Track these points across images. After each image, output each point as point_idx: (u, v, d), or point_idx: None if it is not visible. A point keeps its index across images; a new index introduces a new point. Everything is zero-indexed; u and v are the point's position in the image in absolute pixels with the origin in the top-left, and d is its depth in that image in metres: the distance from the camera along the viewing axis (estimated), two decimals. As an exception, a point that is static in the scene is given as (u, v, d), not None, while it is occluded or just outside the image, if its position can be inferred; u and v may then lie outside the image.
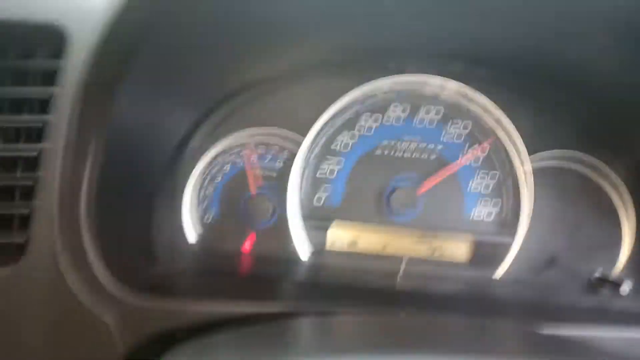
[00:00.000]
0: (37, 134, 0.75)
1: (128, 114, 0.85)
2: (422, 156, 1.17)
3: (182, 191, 1.17)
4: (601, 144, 1.16)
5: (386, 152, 1.18)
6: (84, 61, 0.73)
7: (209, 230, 1.19)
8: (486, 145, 1.17)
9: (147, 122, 0.94)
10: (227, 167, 1.19)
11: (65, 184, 0.74)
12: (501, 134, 1.15)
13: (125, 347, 0.76)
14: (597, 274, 1.10)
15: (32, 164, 0.75)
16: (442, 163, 1.17)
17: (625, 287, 1.01)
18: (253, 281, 1.05)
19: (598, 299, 1.07)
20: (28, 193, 0.75)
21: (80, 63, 0.74)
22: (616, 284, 1.03)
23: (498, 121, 1.14)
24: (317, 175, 1.19)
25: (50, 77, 0.74)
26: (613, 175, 1.15)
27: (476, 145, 1.17)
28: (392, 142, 1.18)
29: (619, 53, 0.95)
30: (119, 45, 0.75)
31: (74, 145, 0.74)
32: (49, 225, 0.74)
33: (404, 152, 1.18)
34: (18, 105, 0.77)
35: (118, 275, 0.78)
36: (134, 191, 0.96)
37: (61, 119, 0.74)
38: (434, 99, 1.18)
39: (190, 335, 0.75)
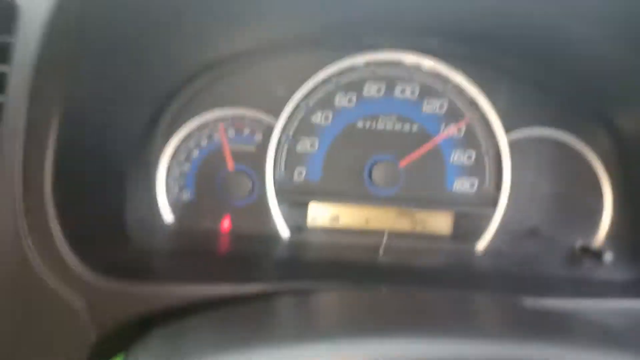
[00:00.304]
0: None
1: (85, 91, 0.81)
2: (403, 130, 1.15)
3: (154, 169, 1.14)
4: (579, 120, 1.15)
5: (366, 126, 1.16)
6: (36, 37, 0.70)
7: (185, 209, 1.16)
8: (462, 123, 1.15)
9: (110, 100, 0.90)
10: (204, 144, 1.15)
11: (27, 164, 0.71)
12: (477, 112, 1.14)
13: (96, 332, 0.74)
14: (579, 245, 1.10)
15: None
16: (422, 136, 1.15)
17: (607, 257, 1.01)
18: (232, 261, 1.03)
19: (580, 269, 1.07)
20: None
21: (32, 39, 0.70)
22: (598, 254, 1.03)
23: (474, 99, 1.13)
24: (296, 150, 1.16)
25: (1, 54, 0.70)
26: (590, 147, 1.15)
27: (453, 124, 1.15)
28: (371, 117, 1.16)
29: (599, 30, 0.93)
30: (72, 20, 0.72)
31: (31, 125, 0.71)
32: (12, 208, 0.71)
33: (384, 126, 1.15)
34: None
35: (87, 259, 0.76)
36: (102, 170, 0.92)
37: (16, 97, 0.70)
38: (409, 77, 1.15)
39: (167, 319, 0.73)
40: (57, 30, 0.70)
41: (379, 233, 1.15)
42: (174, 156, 1.15)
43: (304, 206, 1.18)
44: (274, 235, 1.14)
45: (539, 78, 1.14)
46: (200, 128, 1.15)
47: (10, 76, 0.70)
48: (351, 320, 0.69)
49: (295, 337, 0.60)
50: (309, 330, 0.64)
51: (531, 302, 0.83)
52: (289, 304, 0.76)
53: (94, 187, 0.89)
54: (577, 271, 1.07)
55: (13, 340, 0.74)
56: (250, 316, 0.72)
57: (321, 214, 1.19)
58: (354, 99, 1.16)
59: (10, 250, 0.71)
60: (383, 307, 0.73)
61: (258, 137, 1.15)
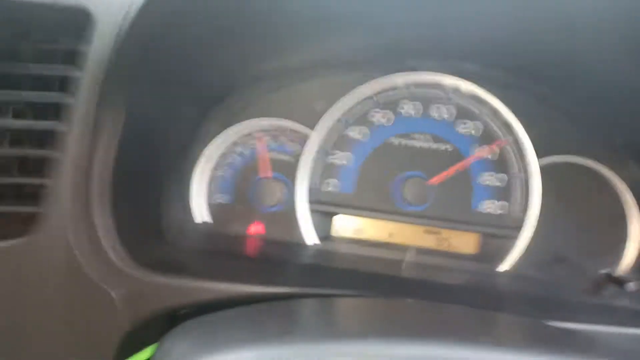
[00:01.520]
0: (57, 112, 0.77)
1: (148, 97, 0.86)
2: (436, 149, 1.18)
3: (190, 173, 1.18)
4: (609, 149, 1.16)
5: (400, 144, 1.19)
6: (108, 45, 0.74)
7: (218, 212, 1.21)
8: (495, 147, 1.17)
9: (162, 107, 0.95)
10: (242, 151, 1.20)
11: (80, 161, 0.76)
12: (511, 136, 1.16)
13: (130, 321, 0.78)
14: (603, 272, 1.11)
15: (51, 139, 0.76)
16: (454, 156, 1.17)
17: (631, 286, 1.01)
18: (261, 263, 1.06)
19: (603, 297, 1.07)
20: (44, 168, 0.76)
21: (104, 47, 0.74)
22: (622, 282, 1.03)
23: (509, 124, 1.15)
24: (329, 162, 1.19)
25: (73, 59, 0.75)
26: (619, 176, 1.15)
27: (485, 146, 1.17)
28: (405, 135, 1.19)
29: (631, 61, 0.95)
30: (143, 33, 0.76)
31: (91, 126, 0.75)
32: (61, 199, 0.75)
33: (415, 144, 1.18)
34: (42, 84, 0.78)
35: (126, 251, 0.80)
36: (146, 171, 0.97)
37: (82, 99, 0.75)
38: (446, 98, 1.18)
39: (196, 314, 0.76)
40: (128, 41, 0.74)
41: (403, 248, 1.17)
42: (209, 161, 1.20)
43: (330, 216, 1.21)
44: (303, 243, 1.17)
45: (572, 107, 1.15)
46: (240, 135, 1.20)
47: (82, 80, 0.75)
48: (379, 323, 0.72)
49: (324, 335, 0.62)
50: (339, 330, 0.66)
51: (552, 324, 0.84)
52: (319, 305, 0.78)
53: (136, 187, 0.94)
54: (600, 299, 1.08)
55: (50, 323, 0.78)
56: (282, 313, 0.74)
57: (346, 226, 1.21)
58: (391, 117, 1.19)
59: (56, 242, 0.76)
60: (409, 315, 0.76)
61: (292, 147, 1.20)
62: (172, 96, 0.96)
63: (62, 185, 0.75)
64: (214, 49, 0.97)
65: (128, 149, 0.82)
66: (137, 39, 0.76)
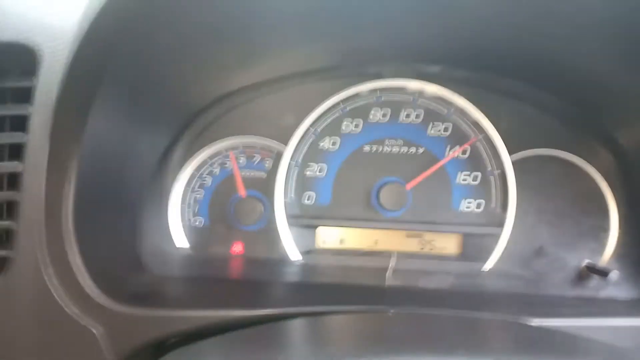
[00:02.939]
0: (15, 152, 0.76)
1: (105, 127, 0.85)
2: (409, 152, 1.18)
3: (167, 198, 1.18)
4: (581, 139, 1.16)
5: (373, 150, 1.19)
6: (57, 79, 0.74)
7: (198, 235, 1.20)
8: (467, 145, 1.18)
9: (126, 135, 0.94)
10: (216, 171, 1.20)
11: (41, 199, 0.75)
12: (481, 134, 1.17)
13: (115, 356, 0.77)
14: (585, 263, 1.11)
15: (14, 180, 0.75)
16: (428, 159, 1.18)
17: (613, 276, 1.02)
18: (244, 285, 1.06)
19: (586, 288, 1.08)
20: (12, 209, 0.75)
21: (53, 81, 0.74)
22: (604, 273, 1.03)
23: (478, 122, 1.16)
24: (306, 175, 1.19)
25: (23, 96, 0.74)
26: (596, 166, 1.16)
27: (457, 147, 1.18)
28: (377, 142, 1.19)
29: (599, 50, 0.95)
30: (92, 63, 0.75)
31: (53, 162, 0.75)
32: (33, 239, 0.74)
33: (390, 149, 1.18)
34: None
35: (104, 286, 0.79)
36: (118, 201, 0.96)
37: (38, 136, 0.74)
38: (413, 102, 1.19)
39: (182, 343, 0.75)
40: (76, 73, 0.74)
41: (387, 255, 1.17)
42: (188, 184, 1.20)
43: (313, 229, 1.20)
44: (284, 259, 1.17)
45: (540, 99, 1.16)
46: (212, 156, 1.19)
47: (32, 116, 0.74)
48: (359, 342, 0.71)
49: (312, 357, 0.62)
50: (319, 352, 0.66)
51: (538, 321, 0.84)
52: (299, 327, 0.78)
53: (110, 216, 0.93)
54: (583, 290, 1.08)
55: None
56: (260, 340, 0.74)
57: (330, 237, 1.21)
58: (361, 124, 1.19)
59: (32, 280, 0.75)
60: (389, 330, 0.75)
61: (268, 163, 1.19)
62: (134, 122, 0.95)
63: (27, 225, 0.74)
64: (175, 72, 0.97)
65: (90, 182, 0.81)
66: (85, 70, 0.75)
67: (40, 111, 0.74)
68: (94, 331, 0.76)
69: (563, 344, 0.73)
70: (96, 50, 0.73)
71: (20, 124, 0.75)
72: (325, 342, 0.75)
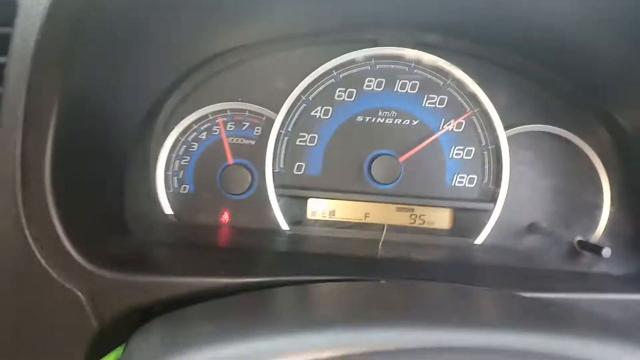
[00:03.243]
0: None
1: (86, 82, 0.81)
2: (403, 124, 1.15)
3: (154, 162, 1.14)
4: (578, 116, 1.15)
5: (366, 121, 1.16)
6: (34, 29, 0.70)
7: (185, 202, 1.16)
8: (462, 118, 1.15)
9: (109, 92, 0.90)
10: (203, 137, 1.16)
11: (27, 156, 0.71)
12: (477, 107, 1.14)
13: (99, 321, 0.74)
14: (577, 240, 1.11)
15: None
16: (423, 131, 1.15)
17: (606, 252, 1.01)
18: (231, 254, 1.03)
19: (579, 264, 1.08)
20: None
21: (30, 30, 0.69)
22: (597, 249, 1.03)
23: (474, 95, 1.13)
24: (296, 144, 1.16)
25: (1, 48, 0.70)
26: (592, 143, 1.15)
27: (453, 119, 1.15)
28: (371, 112, 1.16)
29: (599, 28, 0.94)
30: (71, 12, 0.71)
31: (30, 116, 0.71)
32: (12, 199, 0.71)
33: (384, 120, 1.15)
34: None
35: (87, 250, 0.76)
36: (102, 163, 0.92)
37: (15, 88, 0.70)
38: (410, 72, 1.16)
39: (168, 309, 0.73)
40: (54, 22, 0.69)
41: (378, 227, 1.15)
42: (173, 149, 1.16)
43: (303, 200, 1.18)
44: (274, 229, 1.14)
45: (538, 74, 1.14)
46: (199, 121, 1.15)
47: (8, 67, 0.70)
48: (350, 309, 0.69)
49: (293, 326, 0.60)
50: (308, 319, 0.64)
51: (531, 295, 0.83)
52: (287, 295, 0.76)
53: (93, 179, 0.89)
54: (576, 266, 1.08)
55: (15, 328, 0.74)
56: (248, 306, 0.72)
57: (320, 208, 1.18)
58: (354, 93, 1.16)
59: (12, 242, 0.72)
60: (381, 298, 0.73)
61: (258, 131, 1.16)
62: (117, 81, 0.90)
63: (4, 184, 0.70)
64: (157, 31, 0.92)
65: (70, 140, 0.77)
66: (64, 18, 0.71)
67: (17, 62, 0.70)
68: (79, 293, 0.73)
69: (557, 315, 0.72)
70: (76, 3, 0.68)
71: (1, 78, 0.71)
72: (314, 310, 0.73)
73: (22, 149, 0.70)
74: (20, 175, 0.70)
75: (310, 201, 1.18)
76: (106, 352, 0.72)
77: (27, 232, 0.72)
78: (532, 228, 1.14)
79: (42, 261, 0.72)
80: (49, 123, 0.71)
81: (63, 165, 0.75)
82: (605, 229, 1.13)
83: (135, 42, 0.90)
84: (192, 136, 1.16)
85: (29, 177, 0.71)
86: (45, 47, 0.70)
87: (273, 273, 0.82)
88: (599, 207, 1.14)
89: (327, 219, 1.19)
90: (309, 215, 1.18)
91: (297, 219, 1.17)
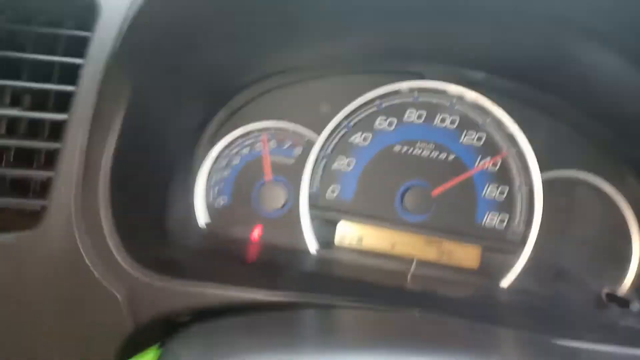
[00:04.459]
0: (62, 103, 0.74)
1: (150, 92, 0.84)
2: (439, 158, 1.16)
3: (196, 174, 1.16)
4: (612, 165, 1.15)
5: (403, 151, 1.17)
6: (112, 34, 0.73)
7: (220, 215, 1.18)
8: (498, 158, 1.16)
9: (167, 102, 0.93)
10: (246, 152, 1.18)
11: (87, 154, 0.74)
12: (514, 148, 1.14)
13: (134, 323, 0.75)
14: (605, 291, 1.10)
15: (56, 132, 0.74)
16: (458, 166, 1.16)
17: (635, 306, 1.00)
18: (261, 269, 1.04)
19: (606, 316, 1.06)
20: (50, 160, 0.74)
21: (108, 36, 0.73)
22: (625, 301, 1.02)
23: (512, 136, 1.14)
24: (332, 168, 1.17)
25: (77, 48, 0.73)
26: (624, 193, 1.15)
27: (489, 157, 1.16)
28: (408, 142, 1.17)
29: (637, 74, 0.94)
30: (149, 23, 0.75)
31: (97, 117, 0.73)
32: (67, 194, 0.73)
33: (421, 152, 1.17)
34: (47, 73, 0.76)
35: (132, 251, 0.77)
36: (151, 170, 0.95)
37: (86, 90, 0.73)
38: (450, 107, 1.17)
39: (198, 319, 0.74)
40: (133, 31, 0.72)
41: (405, 259, 1.15)
42: (215, 162, 1.18)
43: (333, 223, 1.18)
44: (302, 249, 1.15)
45: (577, 120, 1.15)
46: (243, 137, 1.18)
47: (84, 68, 0.73)
48: (382, 336, 0.69)
49: (326, 346, 0.60)
50: (341, 342, 0.64)
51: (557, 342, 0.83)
52: (322, 315, 0.76)
53: (142, 186, 0.92)
54: (603, 317, 1.07)
55: (54, 320, 0.75)
56: (285, 323, 0.72)
57: (349, 233, 1.19)
58: (394, 123, 1.17)
59: (61, 238, 0.73)
60: (413, 327, 0.74)
61: (298, 150, 1.18)
62: (177, 91, 0.94)
63: (64, 178, 0.72)
64: (222, 44, 0.96)
65: (130, 143, 0.80)
66: (142, 29, 0.74)
67: (93, 64, 0.73)
68: (118, 295, 0.74)
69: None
70: (156, 11, 0.72)
71: (70, 75, 0.73)
72: (346, 334, 0.74)
73: (87, 146, 0.73)
74: (81, 172, 0.73)
75: (340, 225, 1.19)
76: (131, 355, 0.72)
77: (75, 228, 0.73)
78: (560, 275, 1.14)
79: (86, 258, 0.74)
80: (115, 124, 0.74)
81: (118, 168, 0.77)
82: (634, 282, 1.12)
83: (196, 57, 0.93)
84: (235, 150, 1.18)
85: (87, 174, 0.73)
86: (120, 54, 0.73)
87: (305, 291, 0.83)
88: (628, 259, 1.14)
89: (354, 245, 1.19)
90: (338, 240, 1.19)
91: (326, 241, 1.18)
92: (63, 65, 0.74)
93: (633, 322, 1.03)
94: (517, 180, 1.15)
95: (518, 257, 1.12)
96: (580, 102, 1.12)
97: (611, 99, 1.05)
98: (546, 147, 1.14)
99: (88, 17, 0.72)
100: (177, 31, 0.82)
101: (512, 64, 1.08)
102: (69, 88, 0.73)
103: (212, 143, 1.17)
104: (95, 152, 0.74)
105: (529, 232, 1.13)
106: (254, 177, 1.18)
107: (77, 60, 0.73)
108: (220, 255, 1.07)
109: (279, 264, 1.07)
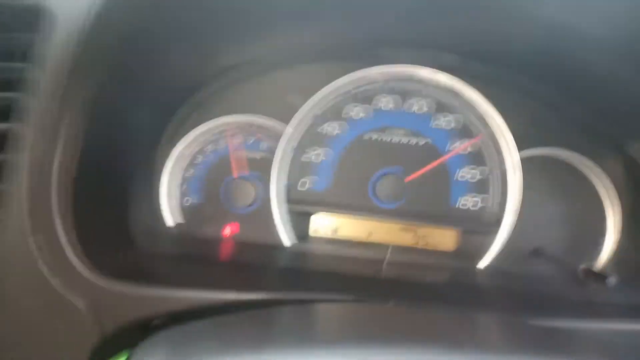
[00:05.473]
0: (5, 113, 0.71)
1: (108, 97, 0.81)
2: (411, 144, 1.15)
3: (159, 174, 1.13)
4: (590, 142, 1.15)
5: (374, 139, 1.15)
6: (68, 43, 0.71)
7: (188, 214, 1.16)
8: (476, 140, 1.15)
9: (126, 106, 0.90)
10: (210, 150, 1.15)
11: (36, 165, 0.71)
12: (490, 130, 1.13)
13: (99, 333, 0.73)
14: (582, 267, 1.10)
15: (7, 142, 0.71)
16: (431, 152, 1.15)
17: (611, 280, 1.00)
18: (234, 268, 1.02)
19: (583, 291, 1.07)
20: (1, 172, 0.71)
21: (64, 44, 0.71)
22: (602, 277, 1.02)
23: (487, 116, 1.12)
24: (302, 159, 1.15)
25: (31, 57, 0.71)
26: (600, 170, 1.15)
27: (465, 139, 1.15)
28: (380, 130, 1.15)
29: (616, 55, 0.94)
30: (105, 30, 0.72)
31: (50, 127, 0.70)
32: (18, 207, 0.70)
33: (392, 139, 1.15)
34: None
35: (91, 260, 0.75)
36: (109, 174, 0.92)
37: (41, 99, 0.70)
38: (423, 91, 1.15)
39: (168, 322, 0.72)
40: (89, 38, 0.71)
41: (381, 247, 1.14)
42: (179, 161, 1.15)
43: (307, 216, 1.17)
44: (277, 244, 1.13)
45: (553, 99, 1.14)
46: (206, 134, 1.15)
47: (31, 77, 0.70)
48: (354, 329, 0.68)
49: (297, 343, 0.59)
50: (311, 337, 0.63)
51: (534, 321, 0.83)
52: (292, 312, 0.75)
53: (100, 191, 0.89)
54: (580, 293, 1.07)
55: (17, 336, 0.73)
56: (253, 322, 0.71)
57: (324, 225, 1.18)
58: (365, 110, 1.16)
59: (16, 250, 0.71)
60: (387, 319, 0.73)
61: (265, 144, 1.15)
62: (136, 94, 0.91)
63: (19, 190, 0.70)
64: (175, 45, 0.93)
65: (90, 151, 0.77)
66: (98, 36, 0.72)
67: (49, 73, 0.70)
68: (78, 305, 0.72)
69: (561, 342, 0.71)
70: (112, 17, 0.70)
71: (20, 84, 0.71)
72: (318, 328, 0.72)
73: (36, 156, 0.70)
74: (29, 183, 0.70)
75: (314, 217, 1.17)
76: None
77: (31, 240, 0.71)
78: (537, 253, 1.14)
79: (44, 270, 0.72)
80: (63, 135, 0.72)
81: (70, 174, 0.75)
82: (610, 257, 1.12)
83: (154, 56, 0.90)
84: (198, 148, 1.15)
85: (37, 185, 0.71)
86: (77, 63, 0.71)
87: (276, 290, 0.81)
88: (603, 234, 1.14)
89: (330, 236, 1.18)
90: (312, 232, 1.17)
91: (301, 234, 1.16)
92: (19, 76, 0.71)
93: (610, 295, 1.03)
94: (493, 161, 1.15)
95: (494, 238, 1.12)
96: (557, 82, 1.11)
97: (592, 79, 1.04)
98: (522, 126, 1.13)
99: (43, 25, 0.69)
100: (134, 36, 0.80)
101: (484, 47, 1.06)
102: (16, 96, 0.70)
103: (173, 142, 1.13)
104: (46, 163, 0.71)
105: (505, 213, 1.12)
106: (222, 174, 1.15)
107: (33, 71, 0.70)
108: (190, 257, 1.04)
109: (252, 261, 1.05)
